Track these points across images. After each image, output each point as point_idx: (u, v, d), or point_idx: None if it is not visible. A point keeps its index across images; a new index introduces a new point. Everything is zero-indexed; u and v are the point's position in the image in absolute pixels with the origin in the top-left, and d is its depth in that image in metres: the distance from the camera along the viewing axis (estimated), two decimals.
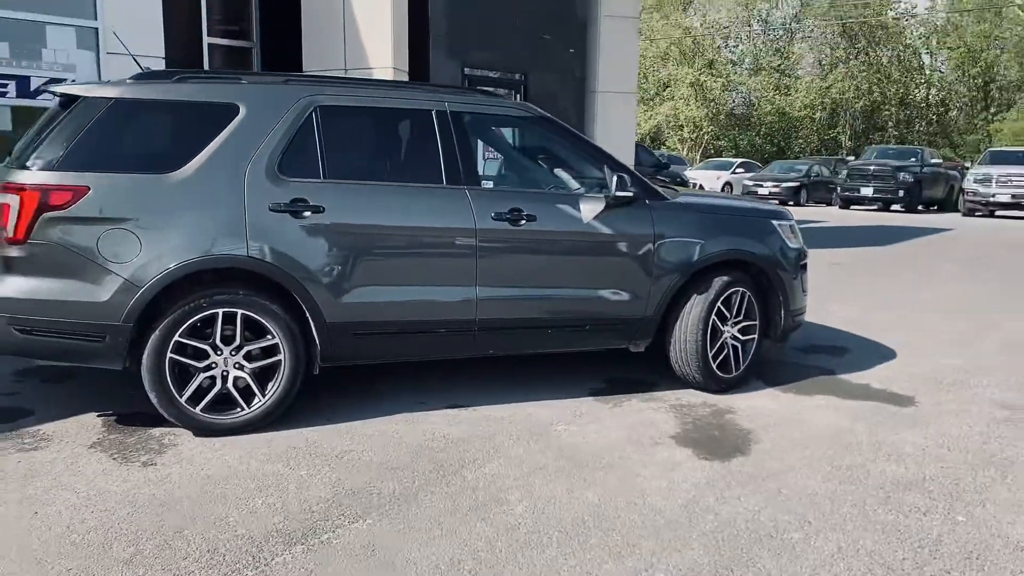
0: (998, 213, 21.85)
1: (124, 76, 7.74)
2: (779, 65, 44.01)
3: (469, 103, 4.77)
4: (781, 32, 46.27)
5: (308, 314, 4.28)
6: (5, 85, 7.72)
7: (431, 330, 4.57)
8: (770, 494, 3.71)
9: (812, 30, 44.28)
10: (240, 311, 4.16)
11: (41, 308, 3.97)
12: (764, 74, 43.56)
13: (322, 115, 4.37)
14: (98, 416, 4.48)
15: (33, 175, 3.93)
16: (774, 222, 5.32)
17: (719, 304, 5.05)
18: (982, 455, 4.23)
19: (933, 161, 24.51)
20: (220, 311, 4.13)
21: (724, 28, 45.38)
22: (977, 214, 21.97)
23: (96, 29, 8.28)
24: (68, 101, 4.25)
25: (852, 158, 31.16)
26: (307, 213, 4.22)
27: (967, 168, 25.34)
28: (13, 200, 3.91)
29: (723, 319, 5.10)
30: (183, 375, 4.16)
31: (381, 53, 8.95)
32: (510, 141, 5.36)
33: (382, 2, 8.86)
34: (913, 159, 23.96)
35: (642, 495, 3.67)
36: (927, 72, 44.78)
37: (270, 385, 4.27)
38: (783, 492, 3.74)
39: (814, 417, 4.76)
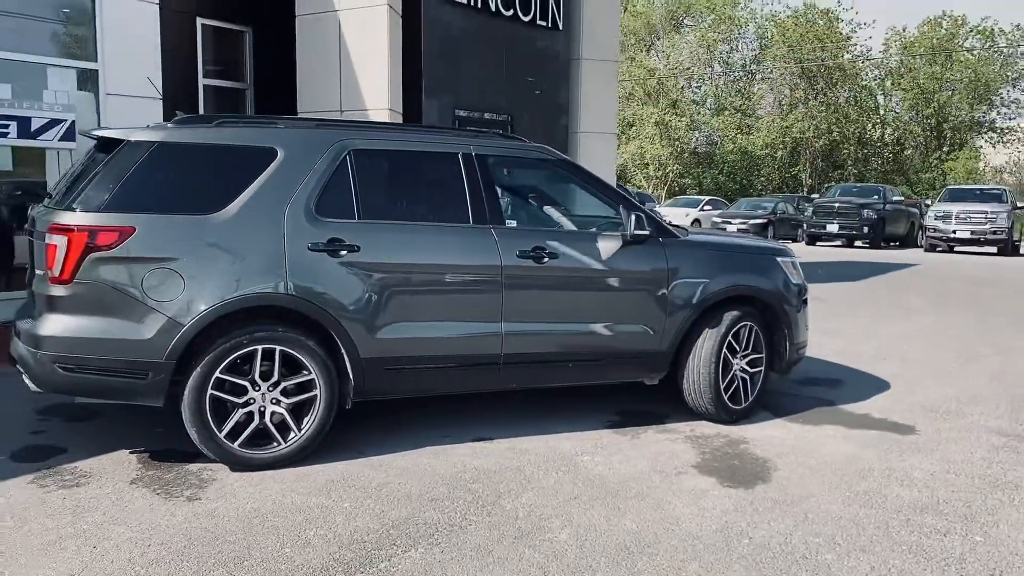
0: (957, 249, 22.58)
1: (125, 116, 7.87)
2: (741, 105, 45.11)
3: (493, 146, 4.97)
4: (741, 73, 47.50)
5: (343, 350, 4.40)
6: (7, 126, 7.75)
7: (459, 364, 4.71)
8: (797, 519, 3.88)
9: (772, 71, 45.51)
10: (279, 347, 4.27)
11: (85, 346, 4.05)
12: (727, 114, 44.60)
13: (356, 158, 4.54)
14: (131, 453, 4.53)
15: (80, 216, 4.03)
16: (778, 259, 5.56)
17: (729, 338, 5.25)
18: (988, 479, 4.46)
19: (895, 199, 25.27)
20: (260, 347, 4.24)
21: (687, 69, 46.46)
22: (938, 249, 22.67)
23: (96, 71, 8.36)
24: (107, 144, 4.36)
25: (814, 195, 32.00)
26: (343, 252, 4.37)
27: (928, 205, 26.14)
28: (60, 241, 4.00)
29: (732, 352, 5.31)
30: (221, 410, 4.24)
31: (377, 95, 9.14)
32: (531, 182, 5.54)
33: (379, 47, 9.07)
34: (876, 196, 24.68)
35: (676, 522, 3.83)
36: (882, 112, 46.19)
37: (305, 420, 4.37)
38: (809, 516, 3.92)
39: (824, 446, 4.97)
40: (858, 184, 32.25)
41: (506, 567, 3.35)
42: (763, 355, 5.48)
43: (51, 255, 4.03)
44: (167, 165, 4.23)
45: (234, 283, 4.17)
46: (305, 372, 4.34)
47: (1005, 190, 24.30)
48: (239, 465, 4.28)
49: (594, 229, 5.09)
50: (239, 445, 4.25)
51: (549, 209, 5.36)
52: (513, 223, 4.97)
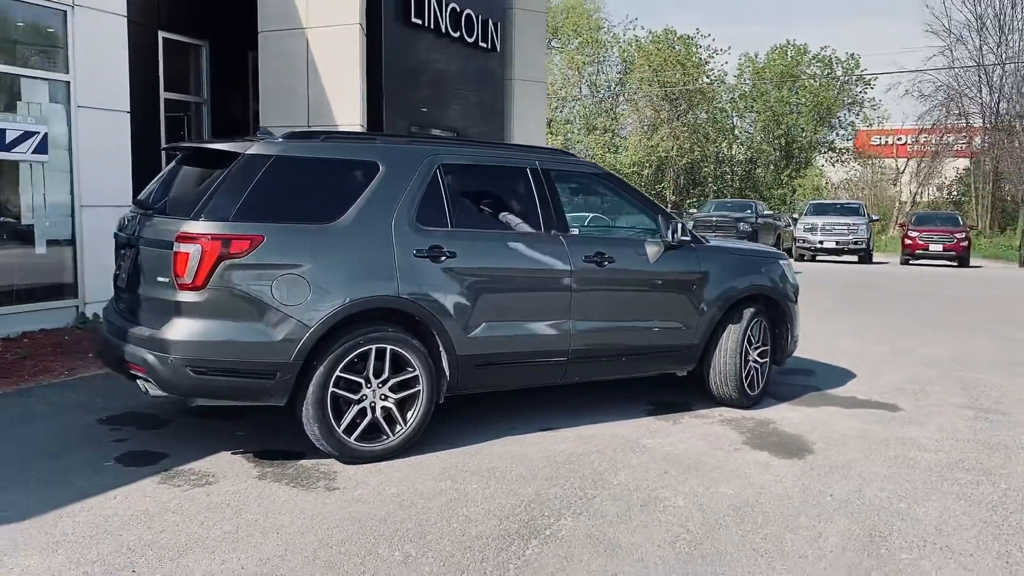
0: (819, 258, 24.71)
1: (96, 128, 7.83)
2: (609, 125, 47.09)
3: (553, 161, 5.46)
4: (608, 95, 49.57)
5: (442, 348, 4.77)
6: None
7: (535, 360, 5.16)
8: (858, 480, 4.57)
9: (636, 93, 47.75)
10: (389, 347, 4.59)
11: (217, 349, 4.25)
12: (596, 134, 46.44)
13: (445, 172, 4.92)
14: (233, 454, 4.70)
15: (212, 225, 4.23)
16: (780, 262, 6.32)
17: (749, 332, 5.94)
18: (981, 443, 5.32)
19: (765, 213, 27.30)
20: (374, 347, 4.54)
21: (559, 91, 48.03)
22: (805, 259, 24.70)
23: (68, 82, 8.22)
24: (205, 157, 4.58)
25: (677, 211, 33.91)
26: (443, 258, 4.74)
27: (796, 218, 28.32)
28: (193, 249, 4.19)
29: (749, 344, 6.00)
30: (334, 408, 4.51)
31: (350, 111, 9.39)
32: (583, 194, 6.05)
33: (351, 64, 9.33)
34: (748, 211, 26.57)
35: (763, 487, 4.43)
36: (737, 133, 49.35)
37: (409, 414, 4.70)
38: (865, 477, 4.62)
39: (837, 423, 5.72)
40: (731, 200, 34.44)
41: (652, 528, 3.84)
42: (769, 347, 6.21)
43: (182, 262, 4.20)
44: (285, 177, 4.48)
45: (354, 287, 4.47)
46: (409, 369, 4.67)
47: (862, 204, 26.79)
48: (353, 458, 4.56)
49: (641, 236, 5.66)
50: (355, 439, 4.54)
51: (600, 218, 5.89)
52: (576, 231, 5.46)
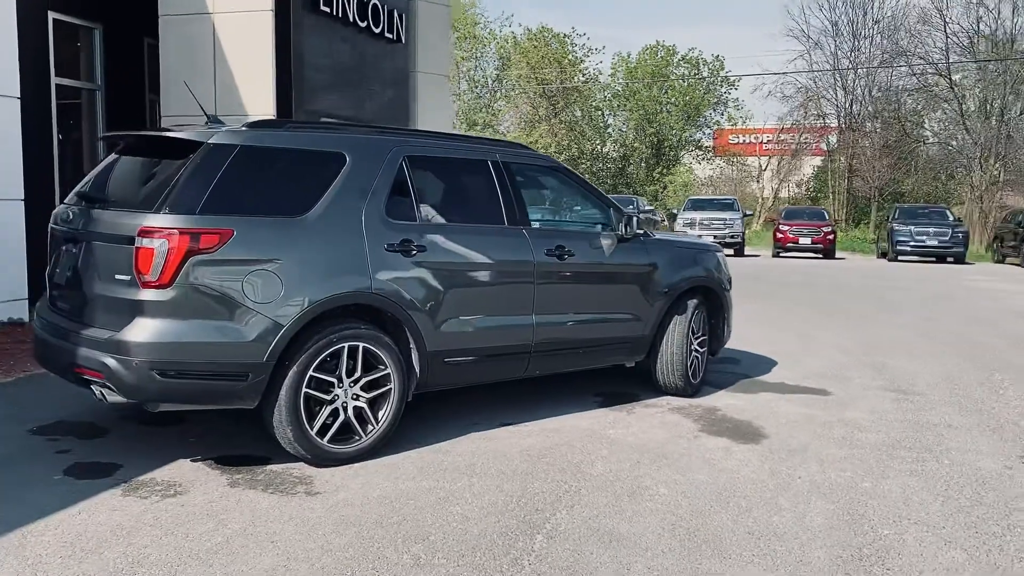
0: None
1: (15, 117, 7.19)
2: (488, 121, 47.29)
3: (510, 154, 5.43)
4: (486, 90, 49.77)
5: (412, 344, 4.66)
6: None
7: (500, 355, 5.12)
8: (818, 461, 4.78)
9: (514, 89, 48.17)
10: (361, 344, 4.45)
11: (185, 351, 4.00)
12: (478, 128, 46.52)
13: (411, 164, 4.80)
14: (192, 461, 4.44)
15: (178, 219, 3.97)
16: (718, 254, 6.52)
17: (691, 322, 6.10)
18: (912, 423, 5.66)
19: (647, 208, 28.13)
20: (346, 345, 4.39)
21: None
22: None
23: None
24: (143, 145, 4.33)
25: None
26: (414, 252, 4.63)
27: (675, 214, 29.29)
28: (158, 244, 3.92)
29: (692, 334, 6.16)
30: (307, 409, 4.33)
31: (262, 101, 9.02)
32: (537, 186, 6.01)
33: (263, 51, 8.96)
34: (631, 206, 27.23)
35: (734, 471, 4.57)
36: (611, 131, 50.60)
37: (380, 414, 4.57)
38: (822, 458, 4.83)
39: (779, 407, 5.96)
40: (614, 195, 35.27)
41: (646, 517, 3.89)
42: (707, 337, 6.40)
43: (145, 259, 3.93)
44: (251, 168, 4.26)
45: (327, 283, 4.31)
46: (381, 367, 4.54)
47: (735, 200, 27.99)
48: (325, 461, 4.39)
49: (597, 229, 5.70)
50: (327, 441, 4.37)
51: (559, 211, 5.90)
52: (536, 224, 5.44)
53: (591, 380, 6.43)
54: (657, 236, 6.22)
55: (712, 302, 6.40)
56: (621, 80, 49.35)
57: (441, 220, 4.91)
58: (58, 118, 9.00)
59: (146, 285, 3.94)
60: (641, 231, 5.73)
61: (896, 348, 8.58)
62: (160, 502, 3.87)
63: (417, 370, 4.71)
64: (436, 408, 5.52)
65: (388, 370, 4.55)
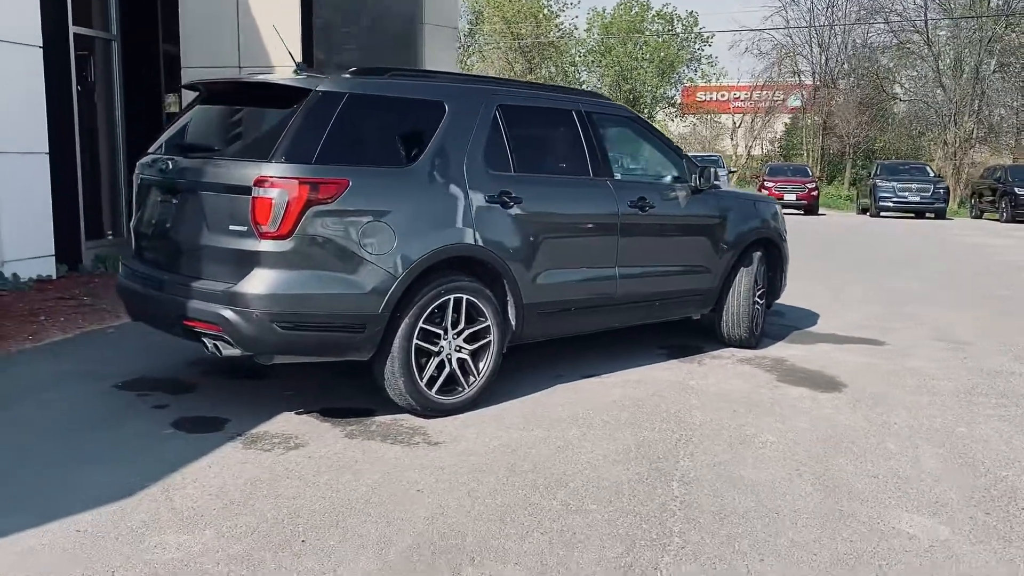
0: None
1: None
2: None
3: (592, 103, 5.38)
4: (459, 46, 49.09)
5: (510, 297, 4.64)
6: None
7: (587, 307, 5.12)
8: (904, 408, 4.87)
9: (488, 43, 47.59)
10: (465, 296, 4.42)
11: (305, 303, 3.95)
12: None
13: (503, 114, 4.74)
14: (298, 415, 4.40)
15: (298, 168, 3.89)
16: (775, 205, 6.56)
17: (755, 275, 6.15)
18: (975, 370, 5.80)
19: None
20: (452, 297, 4.36)
21: None
22: None
23: None
24: (236, 93, 4.24)
25: None
26: (512, 204, 4.59)
27: None
28: (276, 194, 3.84)
29: (754, 286, 6.21)
30: (417, 361, 4.30)
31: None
32: (615, 137, 5.94)
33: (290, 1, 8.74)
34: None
35: (829, 420, 4.63)
36: (587, 87, 50.30)
37: (480, 365, 4.56)
38: (908, 406, 4.92)
39: (841, 357, 6.06)
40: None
41: (768, 463, 3.94)
42: (765, 290, 6.46)
43: (263, 209, 3.85)
44: (359, 117, 4.17)
45: (436, 234, 4.27)
46: (481, 320, 4.52)
47: (720, 157, 28.09)
48: (432, 412, 4.38)
49: (669, 180, 5.69)
50: (435, 392, 4.36)
51: (637, 162, 5.86)
52: (618, 176, 5.41)
53: (653, 334, 6.46)
54: (724, 189, 6.22)
55: (771, 254, 6.44)
56: (596, 36, 49.00)
57: (534, 171, 4.86)
58: (76, 69, 8.71)
59: (264, 236, 3.87)
60: (716, 183, 5.73)
61: (923, 300, 8.74)
62: (285, 454, 3.84)
63: (512, 323, 4.70)
64: (517, 362, 5.52)
65: (488, 322, 4.53)
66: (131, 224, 4.84)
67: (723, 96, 50.99)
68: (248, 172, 3.91)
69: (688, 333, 6.49)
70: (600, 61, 48.61)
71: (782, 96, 43.90)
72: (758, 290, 6.28)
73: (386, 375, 4.24)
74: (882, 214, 25.01)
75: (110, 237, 9.15)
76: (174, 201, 4.28)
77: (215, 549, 2.94)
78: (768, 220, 6.31)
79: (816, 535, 3.20)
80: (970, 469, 3.94)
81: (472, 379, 4.52)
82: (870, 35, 39.83)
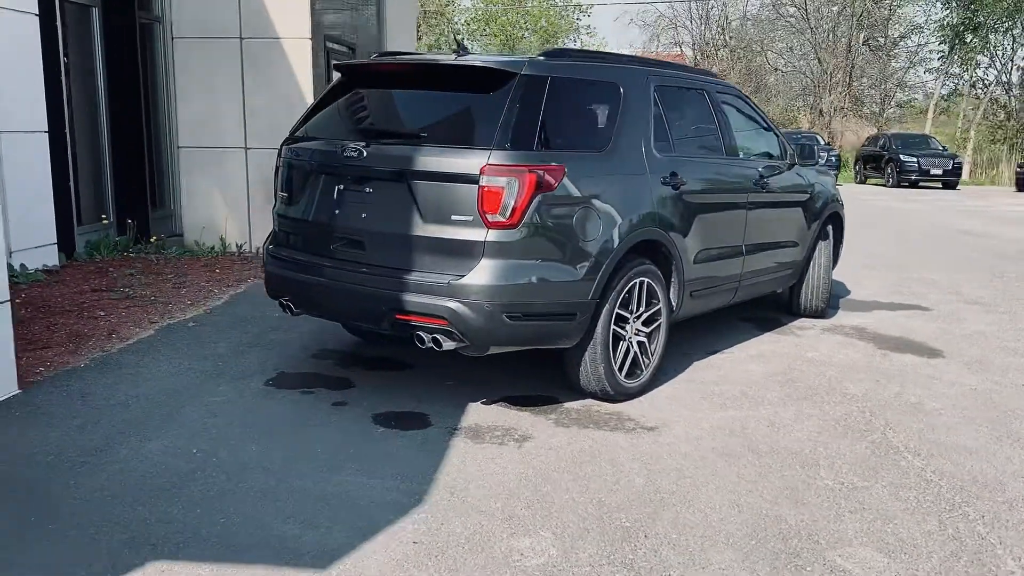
0: None
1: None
2: None
3: (712, 83, 5.43)
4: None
5: (675, 278, 4.68)
6: None
7: (723, 284, 5.22)
8: (1015, 371, 5.25)
9: None
10: (646, 280, 4.43)
11: (532, 292, 3.88)
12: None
13: (659, 95, 4.73)
14: (485, 405, 4.31)
15: (525, 156, 3.79)
16: (833, 173, 6.83)
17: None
18: None
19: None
20: (638, 281, 4.36)
21: None
22: None
23: None
24: (412, 75, 4.14)
25: None
26: (679, 185, 4.62)
27: None
28: (506, 182, 3.72)
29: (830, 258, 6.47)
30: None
31: (296, 22, 8.37)
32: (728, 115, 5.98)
33: None
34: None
35: (961, 384, 4.94)
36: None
37: (652, 347, 4.59)
38: (1019, 368, 5.31)
39: (908, 324, 6.44)
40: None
41: (963, 428, 4.19)
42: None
43: (492, 198, 3.73)
44: (561, 101, 4.07)
45: (631, 218, 4.25)
46: (654, 302, 4.54)
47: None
48: (620, 396, 4.38)
49: (776, 156, 5.83)
50: (624, 376, 4.37)
51: (747, 139, 5.92)
52: (741, 154, 5.50)
53: (726, 309, 6.63)
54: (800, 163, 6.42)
55: (836, 226, 6.71)
56: (481, 4, 48.68)
57: (687, 152, 4.89)
58: (63, 39, 7.97)
59: (493, 225, 3.75)
60: (815, 160, 5.93)
61: (921, 265, 9.35)
62: (522, 446, 3.77)
63: (674, 303, 4.74)
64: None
65: (660, 304, 4.56)
66: (275, 210, 4.55)
67: None
68: (472, 161, 3.76)
69: (759, 306, 6.69)
70: (485, 29, 48.37)
71: None
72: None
73: (586, 361, 4.21)
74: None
75: (104, 222, 8.47)
76: (367, 189, 4.05)
77: (569, 550, 2.88)
78: (836, 194, 6.57)
79: None
80: None
81: (646, 361, 4.55)
82: (750, 7, 41.48)
